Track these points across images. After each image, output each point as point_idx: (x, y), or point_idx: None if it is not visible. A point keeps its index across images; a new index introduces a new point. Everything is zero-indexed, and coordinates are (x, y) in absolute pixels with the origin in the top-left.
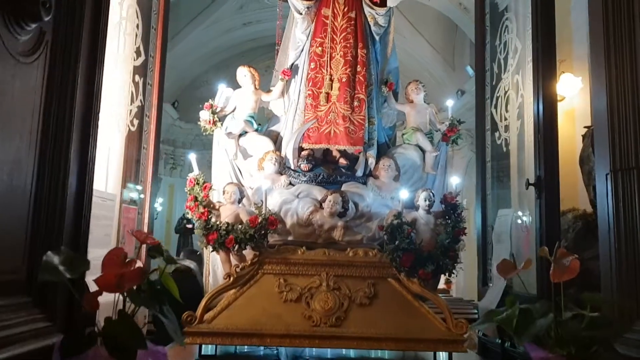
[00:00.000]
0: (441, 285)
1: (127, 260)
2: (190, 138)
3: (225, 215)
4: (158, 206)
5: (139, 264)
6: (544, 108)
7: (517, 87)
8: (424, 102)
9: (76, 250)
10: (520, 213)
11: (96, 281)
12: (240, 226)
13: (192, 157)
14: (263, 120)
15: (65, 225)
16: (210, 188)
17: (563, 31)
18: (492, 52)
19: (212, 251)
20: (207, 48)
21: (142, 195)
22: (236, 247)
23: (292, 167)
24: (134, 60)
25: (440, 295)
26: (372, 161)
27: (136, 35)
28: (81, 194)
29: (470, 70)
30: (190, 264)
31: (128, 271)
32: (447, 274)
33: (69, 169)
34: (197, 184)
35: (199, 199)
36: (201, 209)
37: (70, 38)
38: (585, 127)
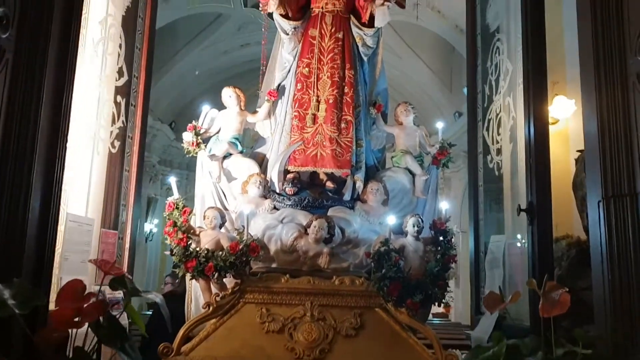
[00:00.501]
0: (440, 309)
1: (86, 293)
2: (187, 159)
3: (206, 241)
4: (153, 227)
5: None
6: (536, 131)
7: (509, 109)
8: (414, 124)
9: (38, 280)
10: (513, 240)
11: (51, 316)
12: (220, 253)
13: (172, 180)
14: (249, 142)
15: (25, 252)
16: (191, 212)
17: (556, 53)
18: (484, 74)
19: (191, 279)
20: (205, 69)
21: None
22: (216, 275)
23: (277, 191)
24: (116, 80)
25: (438, 319)
26: (360, 185)
27: (119, 55)
28: (45, 217)
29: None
30: (156, 297)
31: (86, 305)
32: (436, 303)
33: (31, 191)
34: (177, 208)
35: (178, 224)
36: (180, 235)
37: (34, 56)
38: (578, 151)
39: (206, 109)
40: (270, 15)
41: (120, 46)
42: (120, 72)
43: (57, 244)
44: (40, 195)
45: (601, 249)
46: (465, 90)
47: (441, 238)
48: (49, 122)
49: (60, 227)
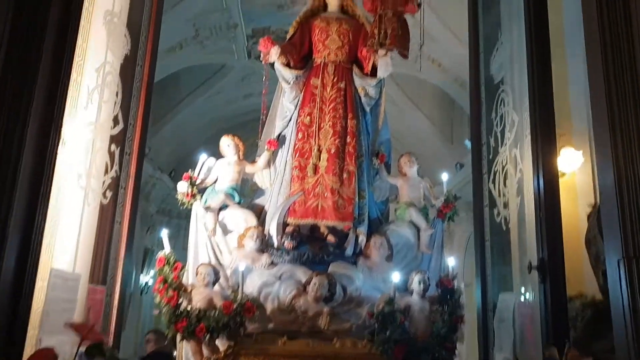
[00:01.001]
0: None
1: None
2: (187, 209)
3: (198, 299)
4: (149, 279)
5: None
6: (545, 184)
7: (516, 161)
8: (418, 175)
9: (11, 339)
10: (523, 298)
11: None
12: (213, 312)
13: (164, 233)
14: (247, 193)
15: None
16: (182, 268)
17: (562, 105)
18: (488, 125)
19: (181, 340)
20: (207, 118)
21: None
22: (208, 336)
23: (276, 245)
24: (111, 128)
25: None
26: (362, 239)
27: (115, 102)
28: (22, 272)
29: (469, 144)
30: None
31: None
32: None
33: (6, 242)
34: (168, 263)
35: (169, 280)
36: (170, 293)
37: (19, 97)
38: (590, 205)
39: (203, 157)
40: (271, 65)
41: (116, 94)
42: (115, 120)
43: (37, 301)
44: (16, 247)
45: (623, 311)
46: (467, 142)
47: (448, 297)
48: (31, 170)
49: (44, 284)
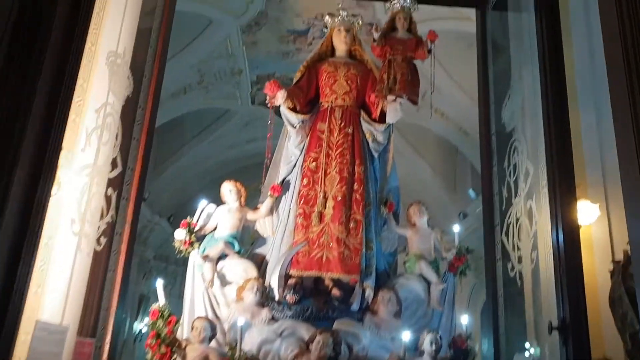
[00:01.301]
0: None
1: None
2: (184, 257)
3: (192, 356)
4: (144, 327)
5: None
6: (565, 238)
7: (531, 213)
8: (428, 226)
9: None
10: None
11: None
12: None
13: (159, 283)
14: (247, 242)
15: None
16: (177, 322)
17: (575, 155)
18: (501, 175)
19: None
20: (208, 163)
21: None
22: None
23: (277, 298)
24: (109, 172)
25: None
26: (369, 293)
27: (114, 145)
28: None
29: (472, 193)
30: None
31: None
32: None
33: None
34: (161, 316)
35: (162, 335)
36: (163, 349)
37: (8, 139)
38: (613, 261)
39: (203, 204)
40: (276, 109)
41: (116, 136)
42: (114, 163)
43: (19, 356)
44: None
45: None
46: (471, 191)
47: (462, 358)
48: (17, 215)
49: (27, 337)
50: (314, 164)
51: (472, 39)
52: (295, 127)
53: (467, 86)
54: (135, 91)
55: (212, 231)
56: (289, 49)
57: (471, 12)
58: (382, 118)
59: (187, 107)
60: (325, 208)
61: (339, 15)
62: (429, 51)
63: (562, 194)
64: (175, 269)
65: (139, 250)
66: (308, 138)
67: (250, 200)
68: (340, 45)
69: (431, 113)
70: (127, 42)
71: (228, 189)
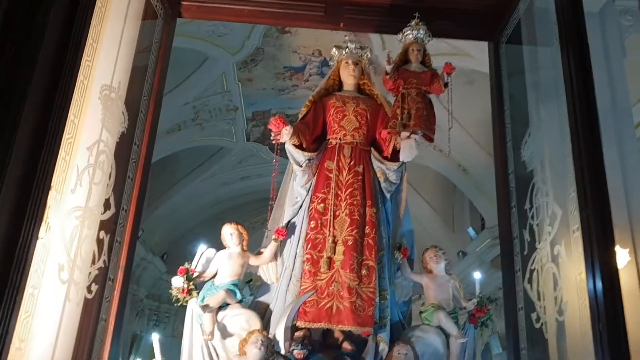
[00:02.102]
0: None
1: None
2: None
3: None
4: None
5: None
6: (604, 287)
7: (559, 260)
8: (446, 272)
9: None
10: None
11: None
12: None
13: (155, 338)
14: (250, 289)
15: None
16: None
17: None
18: (521, 217)
19: None
20: (202, 200)
21: None
22: None
23: (283, 353)
24: (102, 213)
25: None
26: (384, 347)
27: (107, 185)
28: None
29: (472, 232)
30: None
31: None
32: None
33: None
34: None
35: None
36: None
37: None
38: None
39: (202, 248)
40: (275, 147)
41: (109, 175)
42: (106, 205)
43: None
44: None
45: None
46: (470, 230)
47: None
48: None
49: None
50: (321, 205)
51: (470, 76)
52: (301, 166)
53: (465, 123)
54: (130, 127)
55: (211, 278)
56: (286, 86)
57: (471, 48)
58: (393, 156)
59: (181, 144)
60: (334, 253)
61: (346, 47)
62: (446, 84)
63: (599, 239)
64: (168, 308)
65: (132, 289)
66: (315, 177)
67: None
68: (348, 79)
69: (449, 149)
70: (122, 76)
71: (229, 232)
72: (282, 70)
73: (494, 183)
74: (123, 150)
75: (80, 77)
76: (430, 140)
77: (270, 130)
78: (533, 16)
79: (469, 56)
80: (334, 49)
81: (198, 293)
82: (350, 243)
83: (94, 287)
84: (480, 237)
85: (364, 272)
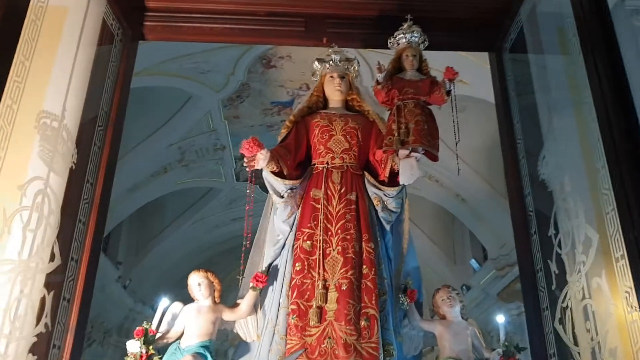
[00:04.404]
0: None
1: None
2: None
3: None
4: None
5: None
6: None
7: (601, 294)
8: (462, 317)
9: None
10: None
11: None
12: None
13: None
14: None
15: None
16: None
17: None
18: (545, 246)
19: None
20: (193, 245)
21: None
22: None
23: None
24: (43, 266)
25: None
26: None
27: (49, 231)
28: None
29: (475, 264)
30: None
31: None
32: None
33: None
34: None
35: None
36: None
37: None
38: None
39: (164, 303)
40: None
41: (53, 219)
42: (51, 255)
43: None
44: None
45: None
46: (472, 262)
47: None
48: None
49: None
50: (308, 242)
51: (464, 102)
52: (282, 197)
53: (460, 151)
54: (81, 162)
55: (177, 339)
56: (274, 121)
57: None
58: (391, 180)
59: (167, 187)
60: (326, 302)
61: (330, 59)
62: (448, 93)
63: None
64: None
65: (121, 343)
66: (300, 210)
67: (229, 293)
68: (334, 95)
69: (458, 168)
70: (70, 102)
71: (196, 282)
72: (269, 105)
73: (493, 212)
74: (72, 189)
75: (5, 100)
76: (434, 158)
77: (243, 156)
78: (537, 21)
79: (462, 82)
80: (316, 62)
81: (161, 359)
82: (344, 288)
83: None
84: (484, 269)
85: (363, 323)
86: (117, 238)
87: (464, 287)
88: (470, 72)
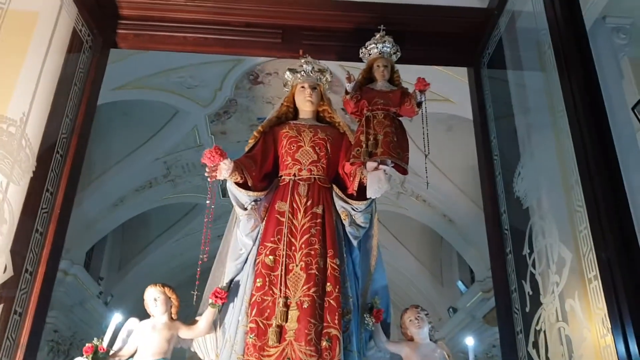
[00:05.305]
0: None
1: None
2: None
3: None
4: None
5: None
6: None
7: (572, 318)
8: (431, 339)
9: None
10: None
11: None
12: None
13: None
14: None
15: None
16: None
17: None
18: (520, 266)
19: None
20: (177, 262)
21: None
22: None
23: None
24: None
25: None
26: None
27: None
28: None
29: (461, 286)
30: None
31: None
32: None
33: None
34: None
35: None
36: None
37: None
38: None
39: (117, 318)
40: (209, 187)
41: (4, 228)
42: (4, 267)
43: None
44: None
45: None
46: (459, 283)
47: None
48: None
49: None
50: (271, 257)
51: (451, 122)
52: (246, 209)
53: (448, 171)
54: (40, 171)
55: (130, 357)
56: None
57: (451, 93)
58: (360, 194)
59: (152, 202)
60: (286, 320)
61: (302, 69)
62: (419, 104)
63: (627, 287)
64: None
65: None
66: (264, 223)
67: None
68: (305, 105)
69: (427, 183)
70: (33, 109)
71: (152, 297)
72: (256, 121)
73: (481, 233)
74: (29, 198)
75: None
76: (404, 172)
77: (205, 165)
78: (515, 36)
79: (449, 101)
80: (288, 73)
81: None
82: (306, 306)
83: None
84: (471, 291)
85: (324, 344)
86: (100, 253)
87: (450, 310)
88: (457, 90)
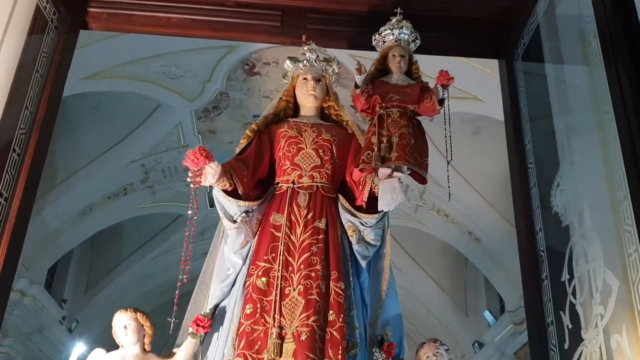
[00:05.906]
0: None
1: None
2: None
3: None
4: None
5: None
6: None
7: (622, 355)
8: None
9: None
10: None
11: None
12: None
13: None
14: None
15: None
16: None
17: None
18: (557, 294)
19: None
20: (154, 283)
21: None
22: None
23: None
24: None
25: None
26: None
27: None
28: None
29: (489, 317)
30: None
31: None
32: None
33: None
34: None
35: None
36: None
37: None
38: None
39: (80, 348)
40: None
41: None
42: None
43: None
44: None
45: None
46: (486, 314)
47: None
48: None
49: None
50: (263, 279)
51: (478, 123)
52: (235, 222)
53: (475, 182)
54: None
55: None
56: None
57: (479, 90)
58: (370, 206)
59: (127, 212)
60: (280, 354)
61: (305, 58)
62: (441, 102)
63: None
64: None
65: None
66: (256, 239)
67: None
68: (307, 100)
69: (449, 194)
70: None
71: (122, 324)
72: (251, 119)
73: (512, 255)
74: None
75: None
76: (422, 181)
77: (187, 169)
78: (555, 23)
79: (476, 99)
80: (288, 62)
81: None
82: (304, 338)
83: None
84: (500, 323)
85: None
86: (63, 271)
87: (475, 344)
88: (486, 87)
